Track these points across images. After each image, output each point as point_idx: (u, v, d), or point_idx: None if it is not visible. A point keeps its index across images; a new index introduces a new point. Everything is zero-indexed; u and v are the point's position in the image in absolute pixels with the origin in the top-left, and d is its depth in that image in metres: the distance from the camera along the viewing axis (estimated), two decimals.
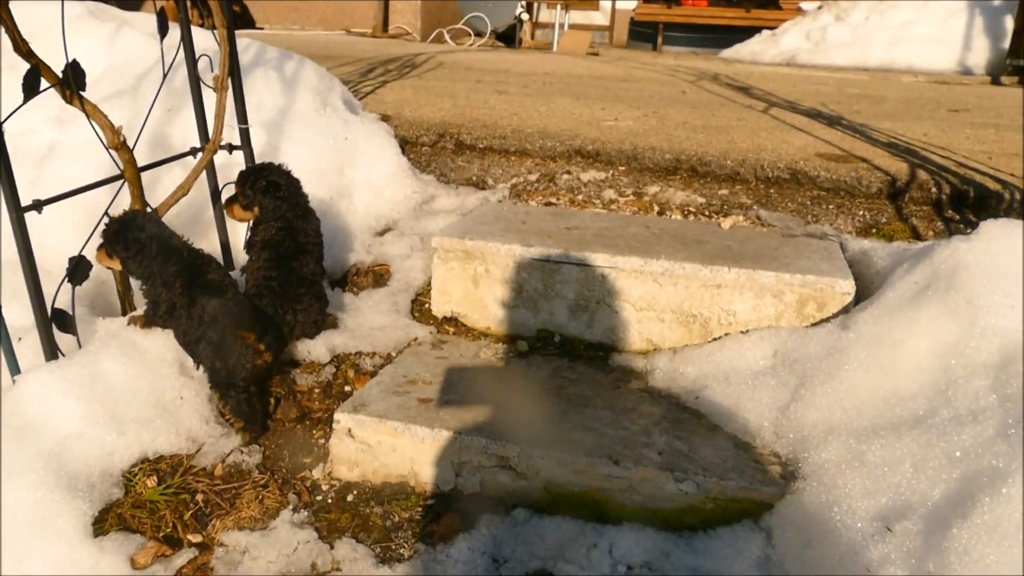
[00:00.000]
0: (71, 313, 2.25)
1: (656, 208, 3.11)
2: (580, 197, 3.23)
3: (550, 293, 2.51)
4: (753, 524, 1.78)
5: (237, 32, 2.72)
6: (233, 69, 2.64)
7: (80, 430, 2.00)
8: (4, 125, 1.96)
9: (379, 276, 2.84)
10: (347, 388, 2.33)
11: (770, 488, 1.79)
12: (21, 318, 2.23)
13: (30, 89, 2.07)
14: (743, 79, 7.01)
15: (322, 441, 2.17)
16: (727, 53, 12.28)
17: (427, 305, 2.70)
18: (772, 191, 3.23)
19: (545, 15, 15.47)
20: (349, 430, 2.04)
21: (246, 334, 2.13)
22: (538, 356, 2.43)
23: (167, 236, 2.24)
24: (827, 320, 2.23)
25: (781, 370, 2.07)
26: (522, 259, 2.50)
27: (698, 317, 2.38)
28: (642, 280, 2.40)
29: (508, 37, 12.46)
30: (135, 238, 2.19)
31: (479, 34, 11.65)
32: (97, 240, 2.39)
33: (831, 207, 3.08)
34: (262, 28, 10.99)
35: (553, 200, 3.20)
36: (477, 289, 2.58)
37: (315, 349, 2.41)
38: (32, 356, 2.20)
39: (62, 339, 2.23)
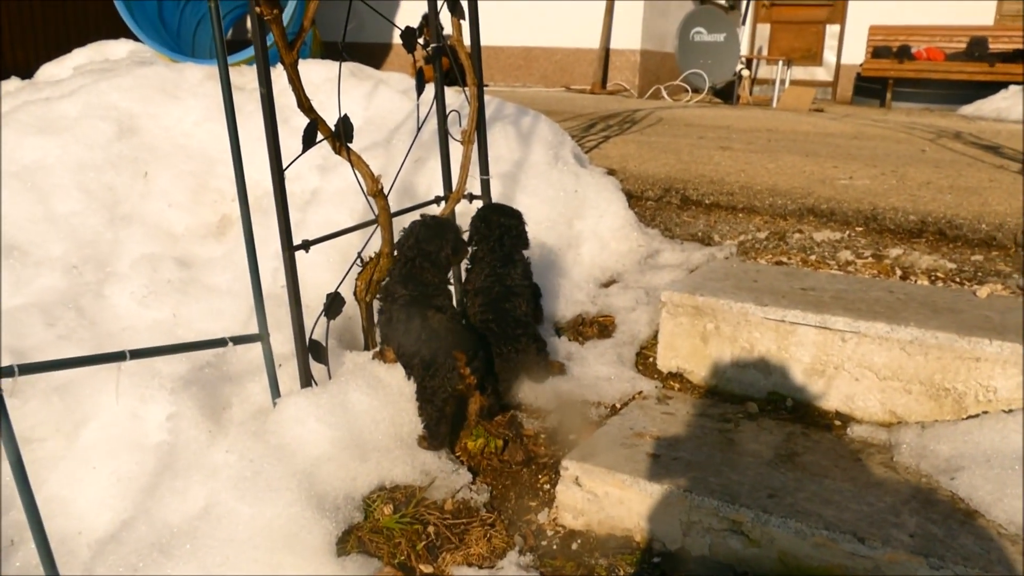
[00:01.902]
0: (324, 345, 2.45)
1: (899, 272, 2.92)
2: (813, 258, 3.10)
3: (784, 355, 2.41)
4: None
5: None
6: (480, 124, 2.79)
7: (329, 454, 2.16)
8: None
9: (604, 327, 2.86)
10: (572, 436, 2.35)
11: None
12: (280, 347, 2.45)
13: (308, 141, 2.30)
14: (990, 137, 6.49)
15: (547, 486, 2.19)
16: (967, 110, 11.44)
17: (651, 359, 2.68)
18: None
19: (764, 71, 15.19)
20: (576, 478, 2.05)
21: (458, 354, 2.22)
22: (768, 419, 2.33)
23: (415, 261, 2.38)
24: None
25: None
26: (755, 318, 2.43)
27: (951, 391, 2.20)
28: (887, 347, 2.26)
29: (725, 93, 12.33)
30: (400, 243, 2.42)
31: (696, 90, 11.62)
32: (350, 280, 2.60)
33: None
34: (488, 85, 11.57)
35: (784, 260, 3.10)
36: (706, 346, 2.53)
37: (542, 395, 2.46)
38: (289, 382, 2.40)
39: (314, 368, 2.42)
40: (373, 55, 11.61)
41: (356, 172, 2.47)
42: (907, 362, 2.24)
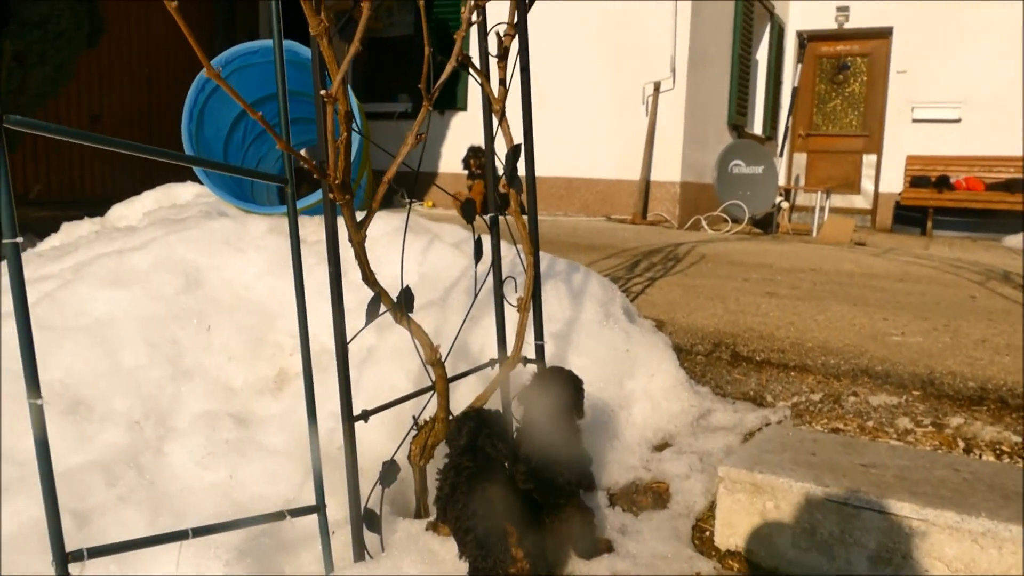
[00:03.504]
0: (379, 514, 2.45)
1: (961, 444, 2.86)
2: (870, 424, 3.05)
3: (847, 539, 2.35)
4: None
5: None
6: (535, 292, 2.86)
7: None
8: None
9: (658, 495, 2.82)
10: None
11: None
12: (333, 513, 2.46)
13: (372, 314, 2.38)
14: None
15: None
16: (1011, 241, 11.42)
17: (708, 533, 2.62)
18: None
19: (803, 197, 15.39)
20: None
21: (509, 527, 2.19)
22: None
23: (479, 437, 2.38)
24: None
25: None
26: (816, 499, 2.39)
27: None
28: (958, 538, 2.19)
29: (764, 223, 12.47)
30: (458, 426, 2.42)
31: (736, 220, 11.77)
32: (406, 447, 2.62)
33: None
34: None
35: (840, 425, 3.06)
36: (765, 525, 2.47)
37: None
38: (341, 550, 2.40)
39: (367, 536, 2.41)
40: (420, 183, 12.00)
41: (415, 340, 2.52)
42: (980, 555, 2.17)
